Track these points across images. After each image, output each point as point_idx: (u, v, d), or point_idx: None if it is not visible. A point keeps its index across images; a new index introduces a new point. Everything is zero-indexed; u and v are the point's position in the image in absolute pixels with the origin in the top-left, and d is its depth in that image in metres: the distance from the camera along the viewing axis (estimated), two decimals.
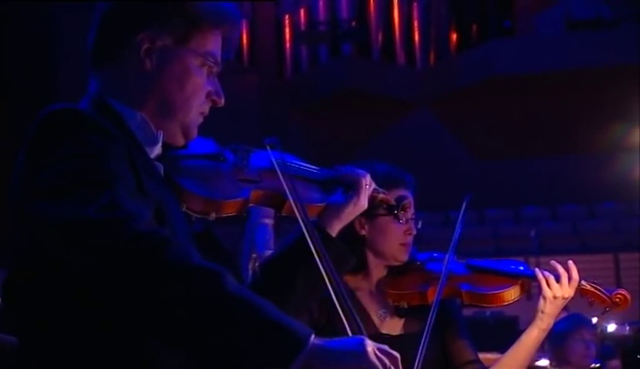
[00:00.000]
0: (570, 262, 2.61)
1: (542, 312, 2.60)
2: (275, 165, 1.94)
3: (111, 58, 1.72)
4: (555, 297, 2.57)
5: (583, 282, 2.61)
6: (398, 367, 1.44)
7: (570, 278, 2.58)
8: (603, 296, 2.61)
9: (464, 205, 2.67)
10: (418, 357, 2.40)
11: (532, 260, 11.40)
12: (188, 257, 1.40)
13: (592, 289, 2.62)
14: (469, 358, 2.67)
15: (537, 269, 2.62)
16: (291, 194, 1.92)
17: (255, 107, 14.89)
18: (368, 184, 2.15)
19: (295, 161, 2.10)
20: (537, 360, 4.88)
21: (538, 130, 14.84)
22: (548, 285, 2.57)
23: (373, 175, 2.30)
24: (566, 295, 2.57)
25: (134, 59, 1.70)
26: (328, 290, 1.76)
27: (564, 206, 14.03)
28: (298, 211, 1.89)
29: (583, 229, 13.43)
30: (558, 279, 2.58)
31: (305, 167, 2.13)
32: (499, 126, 14.98)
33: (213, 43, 1.75)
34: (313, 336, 1.38)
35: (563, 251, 12.18)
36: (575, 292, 2.60)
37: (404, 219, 2.55)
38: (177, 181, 1.84)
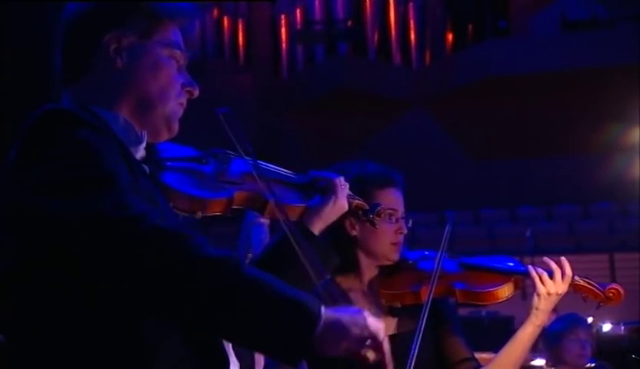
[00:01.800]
0: (562, 258, 2.61)
1: (537, 309, 2.60)
2: (251, 166, 1.97)
3: (83, 67, 1.75)
4: (549, 294, 2.58)
5: (576, 278, 2.61)
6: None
7: (563, 274, 2.59)
8: (596, 291, 2.61)
9: (448, 228, 2.66)
10: (410, 356, 2.41)
11: (527, 260, 11.32)
12: (205, 248, 1.46)
13: (585, 284, 2.62)
14: (464, 356, 2.67)
15: (530, 266, 2.63)
16: (269, 192, 1.96)
17: (251, 106, 14.87)
18: (342, 185, 2.20)
19: (271, 166, 2.15)
20: (533, 360, 4.98)
21: (534, 130, 14.83)
22: (542, 282, 2.58)
23: (363, 175, 2.35)
24: (560, 291, 2.58)
25: (104, 62, 1.73)
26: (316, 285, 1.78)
27: (559, 206, 14.03)
28: (279, 210, 1.92)
29: (578, 229, 13.43)
30: (551, 275, 2.58)
31: (282, 172, 2.18)
32: (495, 126, 14.97)
33: (174, 35, 1.80)
34: (323, 307, 1.47)
35: (558, 251, 12.01)
36: (569, 288, 2.61)
37: (383, 224, 2.55)
38: (163, 181, 1.87)
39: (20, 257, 1.55)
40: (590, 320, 4.92)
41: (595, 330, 5.74)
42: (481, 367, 2.68)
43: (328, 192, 2.17)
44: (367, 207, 2.33)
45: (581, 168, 14.37)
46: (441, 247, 2.61)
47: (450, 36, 15.95)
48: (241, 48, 15.79)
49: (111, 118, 1.71)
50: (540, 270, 2.60)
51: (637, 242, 11.60)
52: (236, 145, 1.95)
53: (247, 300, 1.43)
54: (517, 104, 14.84)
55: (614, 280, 12.67)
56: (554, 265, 2.60)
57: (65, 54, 1.77)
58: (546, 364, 4.74)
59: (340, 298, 1.77)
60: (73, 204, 1.45)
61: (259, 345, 1.50)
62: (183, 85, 1.80)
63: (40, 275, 1.53)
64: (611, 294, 2.60)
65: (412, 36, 15.99)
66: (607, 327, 6.62)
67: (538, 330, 2.64)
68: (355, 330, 1.47)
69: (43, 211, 1.47)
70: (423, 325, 2.47)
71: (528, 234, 10.96)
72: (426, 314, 2.48)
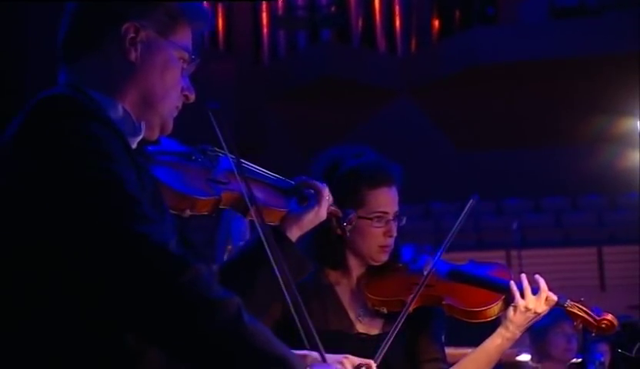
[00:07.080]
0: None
1: (510, 321, 2.55)
2: (234, 166, 2.01)
3: (91, 48, 1.73)
4: (526, 309, 2.53)
5: (569, 302, 2.59)
6: None
7: (547, 296, 2.54)
8: (590, 319, 2.60)
9: (470, 203, 2.71)
10: (378, 355, 2.41)
11: (514, 253, 11.26)
12: (211, 287, 1.50)
13: (580, 313, 2.59)
14: (434, 356, 2.63)
15: (512, 281, 2.55)
16: (248, 194, 1.98)
17: (232, 94, 14.76)
18: (327, 197, 2.26)
19: (256, 168, 2.20)
20: (518, 355, 4.97)
21: (521, 120, 14.85)
22: (522, 294, 2.52)
23: (356, 170, 2.48)
24: (539, 310, 2.54)
25: (117, 49, 1.72)
26: (285, 297, 1.85)
27: (547, 198, 14.04)
28: (255, 214, 1.96)
29: (566, 222, 13.49)
30: (535, 292, 2.53)
31: (267, 174, 2.23)
32: (481, 116, 14.99)
33: (188, 38, 1.81)
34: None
35: (546, 244, 12.12)
36: (565, 311, 2.59)
37: (371, 227, 2.57)
38: (155, 176, 1.86)
39: (11, 251, 1.54)
40: None
41: None
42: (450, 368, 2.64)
43: (312, 202, 2.23)
44: (340, 214, 2.36)
45: (570, 159, 14.40)
46: (438, 252, 2.61)
47: (436, 23, 15.83)
48: (220, 34, 15.68)
49: (109, 104, 1.70)
50: (525, 284, 2.55)
51: (626, 235, 11.80)
52: (222, 142, 1.98)
53: (239, 348, 1.47)
54: (504, 93, 14.85)
55: (602, 274, 12.65)
56: (542, 283, 2.55)
57: (75, 30, 1.75)
58: (531, 359, 4.70)
59: (309, 320, 1.83)
60: (87, 206, 1.47)
61: None
62: (182, 89, 1.82)
63: (31, 270, 1.52)
64: (604, 325, 2.60)
65: (397, 22, 15.89)
66: None
67: (507, 344, 2.58)
68: None
69: (55, 207, 1.48)
70: (397, 330, 2.46)
71: (514, 226, 10.98)
72: (403, 320, 2.48)
